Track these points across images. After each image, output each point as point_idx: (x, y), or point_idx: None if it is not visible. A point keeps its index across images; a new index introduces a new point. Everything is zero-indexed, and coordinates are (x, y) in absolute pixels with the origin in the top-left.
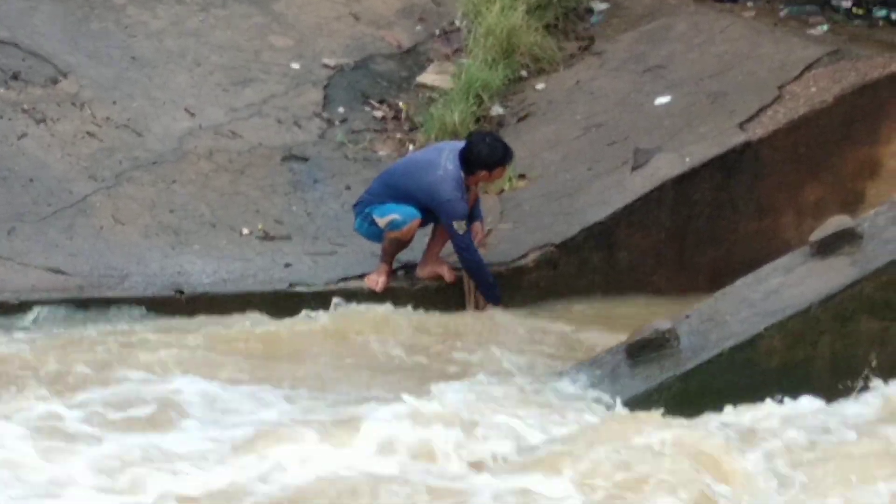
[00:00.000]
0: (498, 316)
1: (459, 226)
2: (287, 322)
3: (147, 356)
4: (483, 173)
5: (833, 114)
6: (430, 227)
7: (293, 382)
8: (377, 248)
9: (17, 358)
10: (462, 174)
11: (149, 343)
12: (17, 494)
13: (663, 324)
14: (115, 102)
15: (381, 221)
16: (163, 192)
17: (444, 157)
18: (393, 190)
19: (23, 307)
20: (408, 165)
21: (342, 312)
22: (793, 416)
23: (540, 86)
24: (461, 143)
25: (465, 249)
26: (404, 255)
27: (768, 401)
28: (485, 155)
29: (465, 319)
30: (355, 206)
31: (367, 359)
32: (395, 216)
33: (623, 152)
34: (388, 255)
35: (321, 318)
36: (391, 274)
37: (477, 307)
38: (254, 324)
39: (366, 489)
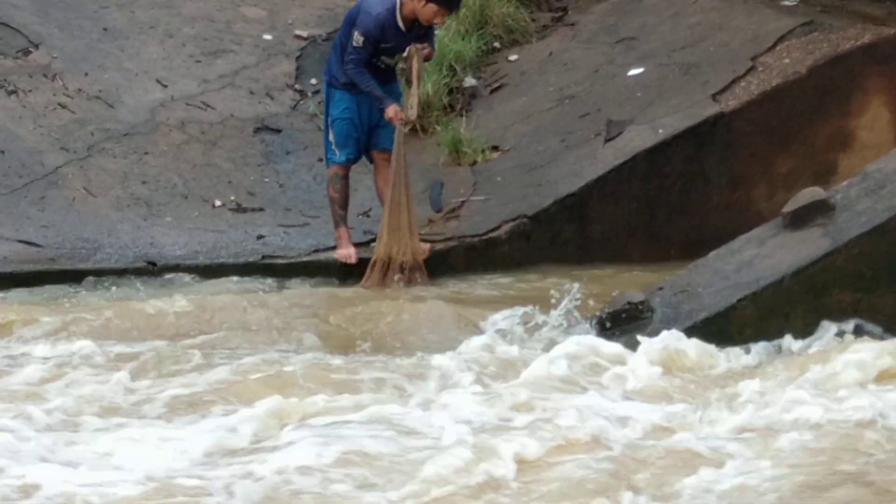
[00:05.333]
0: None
1: (357, 39)
2: None
3: None
4: None
5: (806, 85)
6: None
7: None
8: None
9: None
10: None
11: None
12: None
13: (636, 295)
14: (86, 74)
15: (332, 136)
16: (135, 163)
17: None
18: (338, 54)
19: None
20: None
21: None
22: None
23: (513, 57)
24: None
25: (352, 63)
26: (376, 227)
27: None
28: None
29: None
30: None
31: None
32: (335, 147)
33: (595, 124)
34: (338, 217)
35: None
36: (353, 241)
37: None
38: None
39: None
